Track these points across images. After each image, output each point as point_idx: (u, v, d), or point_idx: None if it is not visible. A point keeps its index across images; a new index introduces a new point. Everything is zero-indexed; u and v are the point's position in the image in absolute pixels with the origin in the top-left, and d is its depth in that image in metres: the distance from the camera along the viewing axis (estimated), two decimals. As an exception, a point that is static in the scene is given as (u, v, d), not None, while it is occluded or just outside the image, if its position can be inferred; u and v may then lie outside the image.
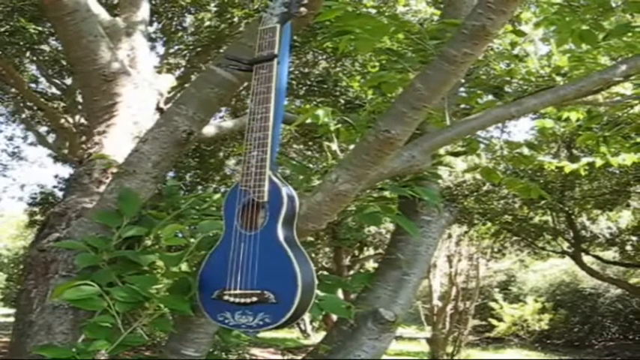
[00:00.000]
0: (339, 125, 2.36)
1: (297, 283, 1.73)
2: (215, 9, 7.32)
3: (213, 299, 1.84)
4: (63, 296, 2.06)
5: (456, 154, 3.29)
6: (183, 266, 2.20)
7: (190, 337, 2.22)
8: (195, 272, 1.96)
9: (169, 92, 4.26)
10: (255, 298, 1.76)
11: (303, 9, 2.02)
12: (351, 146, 2.39)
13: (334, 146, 2.31)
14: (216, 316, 1.84)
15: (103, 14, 3.52)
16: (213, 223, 2.24)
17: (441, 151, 3.05)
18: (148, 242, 2.53)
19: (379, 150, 1.92)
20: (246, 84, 2.54)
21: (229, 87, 2.59)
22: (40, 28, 6.79)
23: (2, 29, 6.91)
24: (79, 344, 2.15)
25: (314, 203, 1.99)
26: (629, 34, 3.32)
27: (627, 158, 4.18)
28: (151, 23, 7.78)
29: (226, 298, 1.81)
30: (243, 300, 1.78)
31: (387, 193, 2.75)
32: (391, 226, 2.81)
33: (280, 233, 1.78)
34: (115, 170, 2.74)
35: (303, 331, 15.17)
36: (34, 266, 2.48)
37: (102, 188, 2.74)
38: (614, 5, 3.33)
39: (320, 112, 2.24)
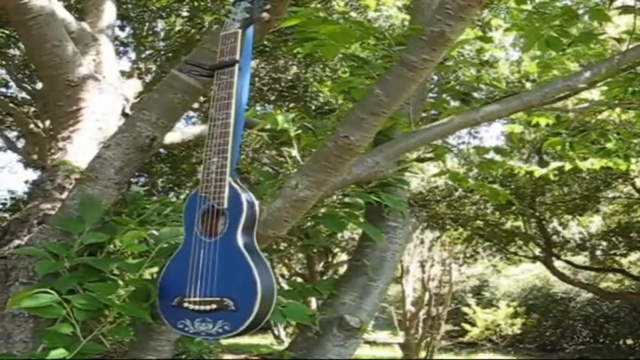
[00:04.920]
0: (299, 131, 2.34)
1: (257, 290, 1.71)
2: (186, 14, 7.29)
3: (173, 306, 1.82)
4: (21, 304, 2.02)
5: (421, 160, 3.31)
6: (154, 271, 2.18)
7: (152, 344, 2.20)
8: (155, 279, 1.94)
9: (136, 97, 4.22)
10: (214, 306, 1.75)
11: (265, 14, 2.01)
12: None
13: (294, 152, 2.29)
14: (176, 323, 1.82)
15: (69, 19, 3.47)
16: (174, 230, 2.21)
17: (411, 156, 3.06)
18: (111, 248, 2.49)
19: (339, 156, 1.91)
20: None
21: (193, 92, 2.57)
22: (7, 32, 6.71)
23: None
24: (37, 353, 2.12)
25: (274, 209, 1.97)
26: (594, 41, 3.36)
27: (595, 163, 4.24)
28: (122, 28, 7.74)
29: (186, 305, 1.79)
30: (202, 307, 1.76)
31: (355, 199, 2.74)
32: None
33: (240, 240, 1.77)
34: (78, 176, 2.71)
35: (277, 337, 15.11)
36: (-6, 274, 2.44)
37: (65, 194, 2.70)
38: (580, 12, 3.37)
39: (279, 117, 2.23)
